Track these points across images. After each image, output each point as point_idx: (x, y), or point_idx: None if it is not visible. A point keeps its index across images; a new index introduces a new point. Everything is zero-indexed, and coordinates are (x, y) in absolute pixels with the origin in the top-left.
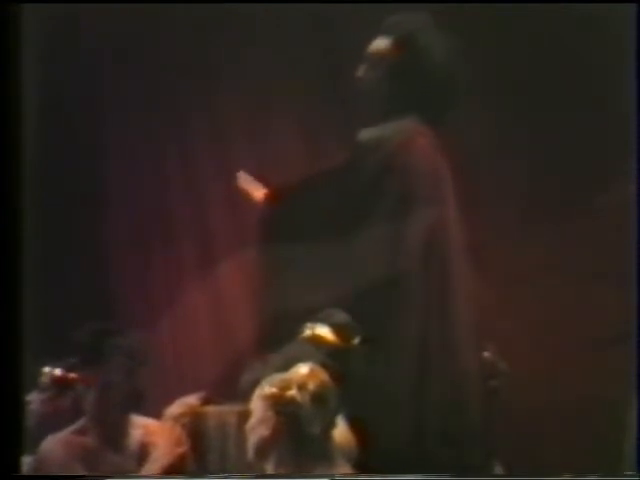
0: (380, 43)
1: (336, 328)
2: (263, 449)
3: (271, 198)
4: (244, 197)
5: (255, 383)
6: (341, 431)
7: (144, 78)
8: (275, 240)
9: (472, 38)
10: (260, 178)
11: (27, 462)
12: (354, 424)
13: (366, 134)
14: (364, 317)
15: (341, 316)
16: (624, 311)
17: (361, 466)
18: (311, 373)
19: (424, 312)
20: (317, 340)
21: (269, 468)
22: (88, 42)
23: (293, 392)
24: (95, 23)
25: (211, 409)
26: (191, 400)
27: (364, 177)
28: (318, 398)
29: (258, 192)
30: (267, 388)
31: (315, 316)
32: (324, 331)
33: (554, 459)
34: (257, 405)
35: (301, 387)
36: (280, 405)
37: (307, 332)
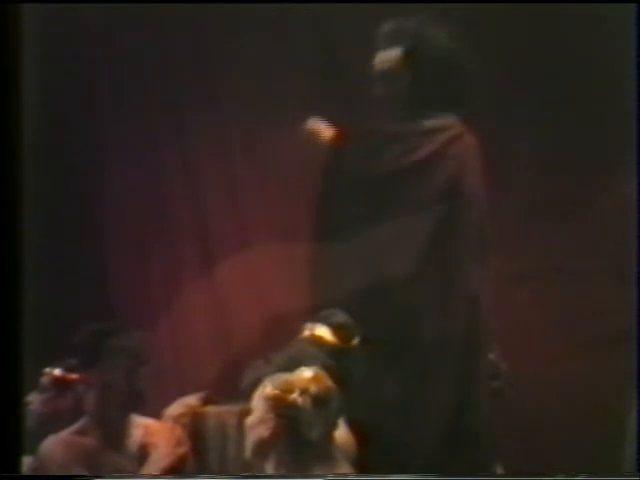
0: (388, 56)
1: (336, 329)
2: (262, 449)
3: (339, 139)
4: (312, 139)
5: (257, 381)
6: (341, 433)
7: (144, 78)
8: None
9: (472, 38)
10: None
11: (27, 463)
12: (354, 426)
13: (416, 124)
14: (367, 317)
15: (341, 316)
16: (624, 311)
17: (361, 467)
18: (314, 377)
19: (429, 312)
20: (316, 340)
21: (268, 468)
22: (88, 42)
23: (295, 396)
24: (95, 23)
25: (211, 409)
26: (191, 400)
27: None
28: (319, 403)
29: (327, 132)
30: (269, 389)
31: (315, 316)
32: (323, 331)
33: (554, 459)
34: (258, 404)
35: (303, 391)
36: (281, 408)
37: (306, 332)
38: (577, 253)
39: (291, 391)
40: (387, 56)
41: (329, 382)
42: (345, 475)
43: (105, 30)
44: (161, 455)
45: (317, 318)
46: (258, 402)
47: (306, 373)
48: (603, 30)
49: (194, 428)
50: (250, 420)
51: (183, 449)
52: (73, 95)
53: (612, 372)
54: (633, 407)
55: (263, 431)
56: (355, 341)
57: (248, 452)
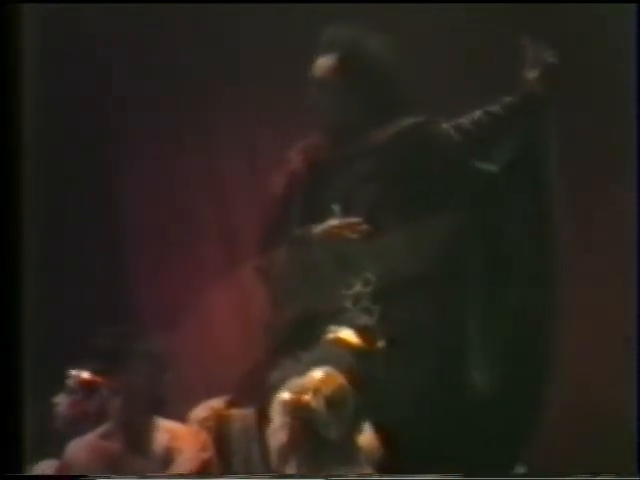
0: (323, 64)
1: (360, 331)
2: (284, 454)
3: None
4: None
5: (284, 380)
6: (366, 437)
7: (162, 75)
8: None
9: (471, 38)
10: None
11: (52, 465)
12: (380, 429)
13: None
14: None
15: (365, 319)
16: (624, 311)
17: (386, 470)
18: (326, 378)
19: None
20: (340, 343)
21: (292, 471)
22: (88, 42)
23: (308, 398)
24: (95, 23)
25: (236, 412)
26: (216, 403)
27: None
28: (333, 403)
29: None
30: (284, 394)
31: (339, 318)
32: (347, 334)
33: (554, 459)
34: (276, 411)
35: (315, 392)
36: (296, 411)
37: (330, 335)
38: (577, 253)
39: (304, 393)
40: (321, 64)
41: (342, 381)
42: (341, 476)
43: (105, 30)
44: (186, 459)
45: (341, 320)
46: (276, 408)
47: (317, 374)
48: (603, 30)
49: (219, 431)
50: (271, 428)
51: (208, 454)
52: (73, 95)
53: (612, 372)
54: (633, 407)
55: (283, 436)
56: (380, 343)
57: (273, 458)
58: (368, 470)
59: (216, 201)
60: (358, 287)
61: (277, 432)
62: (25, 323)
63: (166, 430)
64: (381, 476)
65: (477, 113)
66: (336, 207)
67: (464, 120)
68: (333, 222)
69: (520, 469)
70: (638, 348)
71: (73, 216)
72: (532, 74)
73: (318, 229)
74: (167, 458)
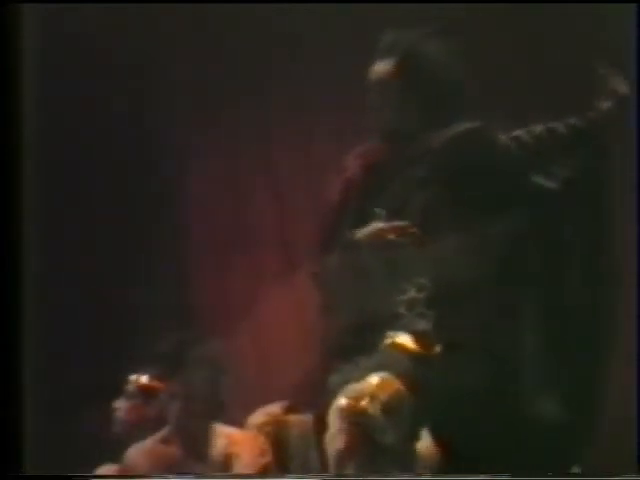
0: (381, 68)
1: (417, 336)
2: (341, 459)
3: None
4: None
5: (342, 386)
6: (424, 443)
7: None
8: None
9: (472, 38)
10: None
11: (112, 470)
12: (438, 436)
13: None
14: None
15: (422, 324)
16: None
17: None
18: (382, 383)
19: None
20: (397, 348)
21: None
22: (88, 42)
23: (364, 403)
24: (95, 23)
25: (294, 418)
26: (274, 409)
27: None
28: (389, 408)
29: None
30: (341, 399)
31: (397, 323)
32: (405, 339)
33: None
34: (333, 417)
35: (372, 398)
36: (353, 416)
37: (388, 340)
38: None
39: (361, 399)
40: (379, 67)
41: (399, 386)
42: (341, 476)
43: (105, 30)
44: (244, 465)
45: (398, 326)
46: (333, 415)
47: (374, 379)
48: (603, 31)
49: (277, 437)
50: (328, 434)
51: (266, 459)
52: (73, 95)
53: (613, 372)
54: (633, 407)
55: (340, 443)
56: (437, 348)
57: (330, 464)
58: (425, 476)
59: (274, 207)
60: (412, 293)
61: (334, 438)
62: (25, 323)
63: (224, 435)
64: (433, 476)
65: (538, 128)
66: (381, 211)
67: (523, 132)
68: (378, 225)
69: (575, 469)
70: (638, 348)
71: (134, 222)
72: (606, 104)
73: (363, 232)
74: (225, 463)
